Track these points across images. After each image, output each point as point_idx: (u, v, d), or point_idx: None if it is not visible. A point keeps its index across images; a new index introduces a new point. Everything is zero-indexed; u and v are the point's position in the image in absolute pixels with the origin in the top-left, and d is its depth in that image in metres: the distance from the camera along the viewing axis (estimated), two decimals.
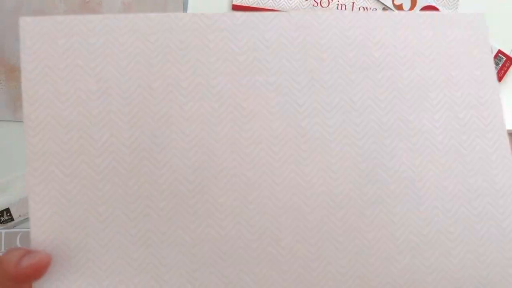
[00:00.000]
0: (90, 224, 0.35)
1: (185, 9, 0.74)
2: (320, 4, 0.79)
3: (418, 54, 0.39)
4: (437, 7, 0.79)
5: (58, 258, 0.35)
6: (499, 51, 0.78)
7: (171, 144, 0.36)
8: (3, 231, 0.65)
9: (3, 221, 0.65)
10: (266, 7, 0.75)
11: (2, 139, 0.69)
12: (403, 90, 0.38)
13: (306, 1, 0.79)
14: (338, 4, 0.79)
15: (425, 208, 0.36)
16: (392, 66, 0.39)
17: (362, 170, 0.37)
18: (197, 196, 0.36)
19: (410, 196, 0.37)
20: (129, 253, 0.34)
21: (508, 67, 0.81)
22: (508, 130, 0.41)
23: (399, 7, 0.80)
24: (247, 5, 0.77)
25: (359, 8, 0.78)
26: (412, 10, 0.82)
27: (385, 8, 0.79)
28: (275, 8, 0.75)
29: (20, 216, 0.65)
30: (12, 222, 0.65)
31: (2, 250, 0.65)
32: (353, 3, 0.79)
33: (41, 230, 0.35)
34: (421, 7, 0.80)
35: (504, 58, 0.79)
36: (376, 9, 0.79)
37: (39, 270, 0.33)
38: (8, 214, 0.65)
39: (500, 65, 0.78)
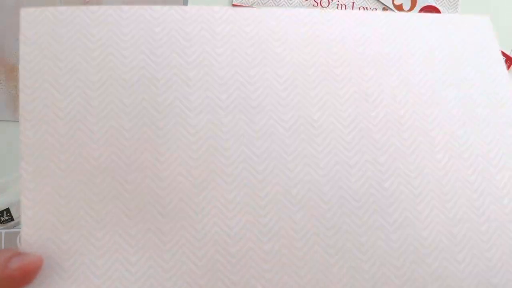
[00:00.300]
0: (85, 224, 0.31)
1: None
2: (320, 4, 0.76)
3: (426, 54, 0.37)
4: (437, 7, 0.77)
5: (50, 262, 0.31)
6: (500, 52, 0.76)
7: (175, 136, 0.33)
8: (3, 231, 0.62)
9: (3, 221, 0.62)
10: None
11: (2, 139, 0.67)
12: (417, 85, 0.36)
13: (306, 1, 0.76)
14: (338, 4, 0.76)
15: (451, 206, 0.33)
16: (403, 63, 0.36)
17: (382, 164, 0.34)
18: (203, 192, 0.32)
19: (435, 193, 0.33)
20: (127, 257, 0.31)
21: (508, 67, 0.79)
22: None
23: (399, 7, 0.77)
24: (247, 5, 0.74)
25: (359, 8, 0.76)
26: (412, 10, 0.80)
27: (385, 8, 0.76)
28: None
29: (20, 216, 0.63)
30: (12, 222, 0.64)
31: None
32: (353, 3, 0.76)
33: (33, 230, 0.31)
34: (421, 7, 0.77)
35: (504, 58, 0.77)
36: (376, 9, 0.77)
37: (29, 273, 0.29)
38: (8, 214, 0.62)
39: None
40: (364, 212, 0.32)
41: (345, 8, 0.78)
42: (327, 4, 0.76)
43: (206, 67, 0.34)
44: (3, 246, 0.63)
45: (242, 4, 0.72)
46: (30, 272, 0.29)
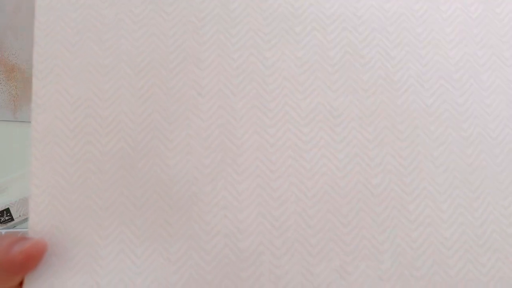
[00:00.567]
0: (91, 212, 0.30)
1: None
2: None
3: (465, 31, 0.33)
4: None
5: (55, 250, 0.29)
6: None
7: (185, 123, 0.31)
8: (3, 231, 0.62)
9: (3, 221, 0.62)
10: None
11: (2, 139, 0.66)
12: (449, 70, 0.32)
13: None
14: None
15: (478, 205, 0.30)
16: (436, 43, 0.32)
17: (404, 158, 0.31)
18: (213, 182, 0.30)
19: (460, 190, 0.30)
20: (133, 248, 0.29)
21: None
22: None
23: None
24: None
25: None
26: None
27: None
28: None
29: (20, 216, 0.62)
30: (12, 222, 0.63)
31: None
32: None
33: (40, 217, 0.29)
34: None
35: None
36: None
37: (32, 258, 0.27)
38: (8, 214, 0.62)
39: None
40: (383, 208, 0.30)
41: None
42: None
43: (219, 49, 0.32)
44: None
45: None
46: (33, 256, 0.27)
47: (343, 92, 0.31)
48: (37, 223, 0.29)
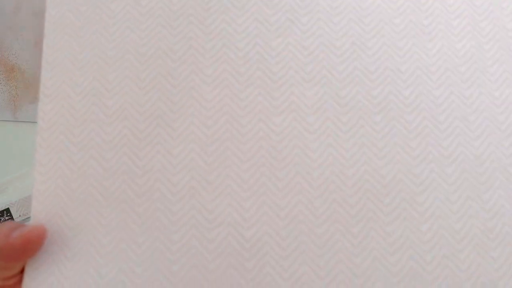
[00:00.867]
0: (93, 201, 0.29)
1: None
2: None
3: (471, 25, 0.32)
4: None
5: (56, 238, 0.28)
6: None
7: (189, 111, 0.30)
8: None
9: (3, 221, 0.61)
10: None
11: (2, 139, 0.65)
12: (456, 62, 0.31)
13: None
14: None
15: (488, 198, 0.29)
16: (443, 36, 0.32)
17: (413, 149, 0.29)
18: (217, 170, 0.29)
19: (469, 182, 0.29)
20: (133, 237, 0.28)
21: None
22: None
23: None
24: None
25: None
26: None
27: None
28: None
29: (20, 216, 0.61)
30: None
31: None
32: None
33: (42, 205, 0.29)
34: None
35: None
36: None
37: (31, 243, 0.27)
38: (8, 214, 0.60)
39: None
40: (391, 199, 0.28)
41: None
42: None
43: (225, 39, 0.31)
44: None
45: None
46: (32, 241, 0.26)
47: (350, 82, 0.30)
48: (40, 211, 0.28)
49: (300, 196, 0.28)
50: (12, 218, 0.62)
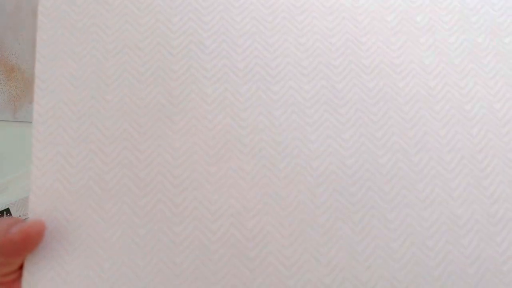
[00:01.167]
0: (93, 194, 0.28)
1: None
2: None
3: (462, 20, 0.33)
4: None
5: (55, 234, 0.28)
6: None
7: (190, 105, 0.30)
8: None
9: None
10: None
11: (2, 139, 0.65)
12: (450, 55, 0.32)
13: None
14: None
15: (488, 183, 0.29)
16: (435, 31, 0.32)
17: (410, 138, 0.30)
18: (219, 164, 0.29)
19: (469, 169, 0.29)
20: (136, 229, 0.27)
21: None
22: None
23: None
24: None
25: None
26: None
27: None
28: None
29: (20, 216, 0.60)
30: None
31: None
32: None
33: (41, 200, 0.28)
34: None
35: None
36: None
37: (30, 238, 0.26)
38: (8, 214, 0.59)
39: None
40: (391, 187, 0.28)
41: None
42: None
43: (224, 35, 0.31)
44: None
45: None
46: (32, 236, 0.26)
47: (346, 76, 0.31)
48: (38, 205, 0.28)
49: (301, 186, 0.28)
50: None
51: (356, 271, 0.26)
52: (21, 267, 0.27)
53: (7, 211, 0.60)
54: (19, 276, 0.27)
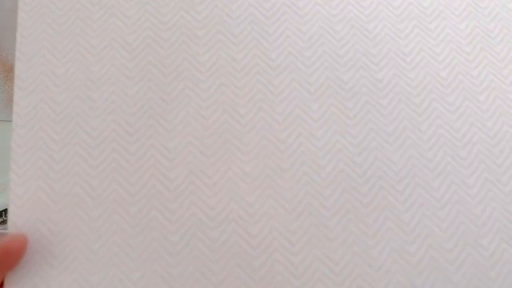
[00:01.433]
0: (80, 202, 0.25)
1: None
2: None
3: (472, 6, 0.31)
4: None
5: (39, 246, 0.25)
6: None
7: (184, 102, 0.27)
8: (3, 231, 0.56)
9: (1, 222, 0.57)
10: None
11: (2, 139, 0.62)
12: (461, 42, 0.30)
13: None
14: None
15: (507, 180, 0.27)
16: (444, 17, 0.30)
17: (423, 132, 0.27)
18: (217, 164, 0.26)
19: (486, 164, 0.27)
20: (127, 239, 0.25)
21: None
22: None
23: None
24: None
25: None
26: None
27: None
28: None
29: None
30: None
31: None
32: None
33: (22, 210, 0.25)
34: None
35: None
36: None
37: (12, 254, 0.23)
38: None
39: None
40: (405, 186, 0.26)
41: None
42: None
43: (218, 25, 0.29)
44: None
45: None
46: (12, 252, 0.23)
47: (352, 66, 0.28)
48: (19, 216, 0.25)
49: (307, 187, 0.26)
50: None
51: (371, 278, 0.24)
52: (1, 286, 0.24)
53: (7, 211, 0.58)
54: None
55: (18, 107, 0.27)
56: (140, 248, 0.24)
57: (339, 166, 0.26)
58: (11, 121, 0.63)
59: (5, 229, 0.57)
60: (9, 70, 0.64)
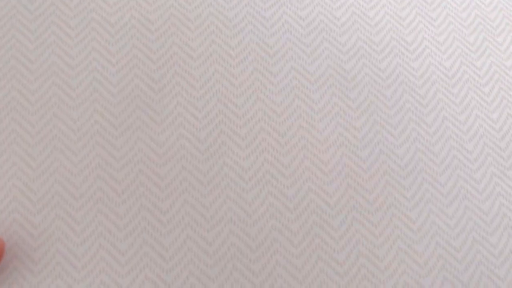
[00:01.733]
0: (61, 202, 0.23)
1: None
2: None
3: None
4: None
5: (18, 251, 0.22)
6: None
7: (175, 90, 0.25)
8: None
9: None
10: None
11: None
12: (463, 32, 0.28)
13: None
14: None
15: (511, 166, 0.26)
16: (446, 4, 0.28)
17: (429, 125, 0.26)
18: (212, 158, 0.24)
19: (493, 158, 0.26)
20: (115, 243, 0.22)
21: None
22: None
23: None
24: None
25: None
26: None
27: None
28: None
29: None
30: None
31: None
32: None
33: None
34: None
35: None
36: None
37: None
38: None
39: None
40: (411, 181, 0.25)
41: None
42: None
43: (211, 7, 0.26)
44: None
45: None
46: None
47: (354, 54, 0.26)
48: None
49: (309, 183, 0.24)
50: None
51: (378, 280, 0.23)
52: None
53: None
54: None
55: None
56: (129, 252, 0.22)
57: (343, 161, 0.24)
58: None
59: None
60: None
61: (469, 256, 0.23)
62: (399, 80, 0.26)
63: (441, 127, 0.26)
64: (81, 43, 0.25)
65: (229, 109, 0.25)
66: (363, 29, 0.27)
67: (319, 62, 0.26)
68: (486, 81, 0.27)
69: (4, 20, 0.25)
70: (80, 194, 0.23)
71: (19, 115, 0.24)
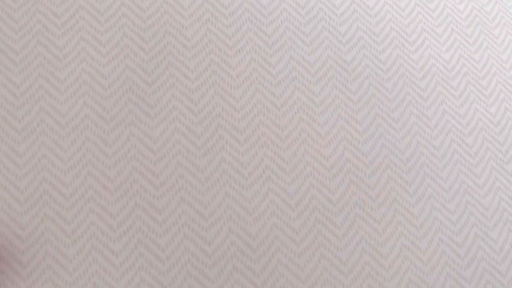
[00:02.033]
0: (50, 201, 0.22)
1: None
2: None
3: None
4: None
5: (5, 254, 0.21)
6: None
7: (169, 82, 0.23)
8: None
9: None
10: None
11: None
12: (461, 24, 0.27)
13: None
14: None
15: None
16: None
17: (429, 118, 0.25)
18: (209, 154, 0.23)
19: (492, 152, 0.25)
20: (109, 244, 0.21)
21: None
22: None
23: None
24: None
25: None
26: None
27: None
28: None
29: None
30: None
31: None
32: None
33: None
34: None
35: None
36: None
37: None
38: None
39: None
40: (413, 176, 0.24)
41: None
42: None
43: None
44: None
45: None
46: None
47: (354, 45, 0.25)
48: None
49: (311, 179, 0.23)
50: None
51: (382, 278, 0.22)
52: None
53: None
54: None
55: None
56: (123, 254, 0.21)
57: (345, 156, 0.23)
58: None
59: None
60: None
61: (471, 252, 0.23)
62: (399, 72, 0.25)
63: (441, 121, 0.25)
64: (69, 32, 0.23)
65: (227, 101, 0.23)
66: (363, 18, 0.26)
67: (319, 53, 0.25)
68: (484, 74, 0.27)
69: None
70: (70, 192, 0.22)
71: (3, 109, 0.22)
